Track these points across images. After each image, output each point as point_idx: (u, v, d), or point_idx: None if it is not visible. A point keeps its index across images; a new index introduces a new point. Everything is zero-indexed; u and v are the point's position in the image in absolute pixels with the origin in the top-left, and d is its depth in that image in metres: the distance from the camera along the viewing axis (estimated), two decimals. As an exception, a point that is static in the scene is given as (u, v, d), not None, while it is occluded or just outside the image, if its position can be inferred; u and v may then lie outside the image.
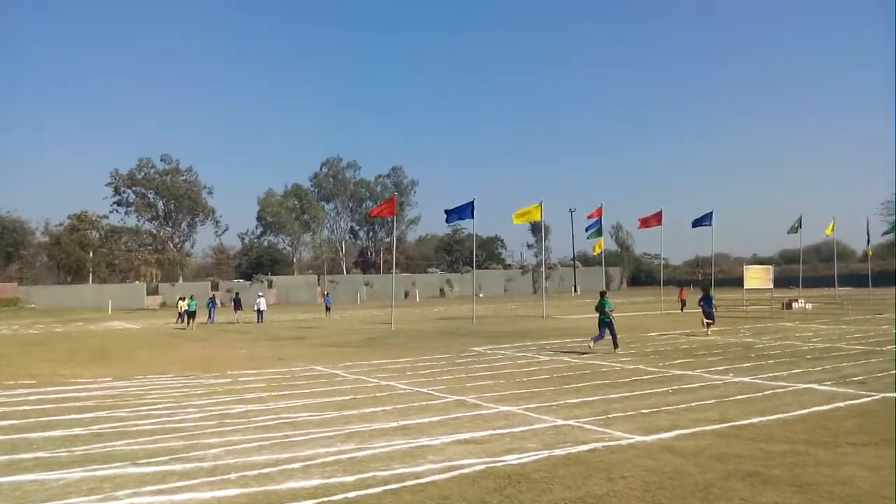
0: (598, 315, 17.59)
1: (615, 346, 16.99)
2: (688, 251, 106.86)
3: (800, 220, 38.02)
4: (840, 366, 13.55)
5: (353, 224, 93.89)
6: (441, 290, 78.79)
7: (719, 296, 33.30)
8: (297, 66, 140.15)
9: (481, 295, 71.33)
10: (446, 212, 31.15)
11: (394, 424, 8.66)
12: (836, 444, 7.25)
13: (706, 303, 21.80)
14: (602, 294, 18.06)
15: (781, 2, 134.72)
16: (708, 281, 34.68)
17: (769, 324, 25.72)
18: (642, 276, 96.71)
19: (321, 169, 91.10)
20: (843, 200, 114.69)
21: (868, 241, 44.25)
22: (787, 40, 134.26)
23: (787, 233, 38.07)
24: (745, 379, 12.05)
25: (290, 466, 6.75)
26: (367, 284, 75.99)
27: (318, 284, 72.92)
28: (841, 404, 9.53)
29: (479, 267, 78.40)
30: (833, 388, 10.86)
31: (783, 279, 46.89)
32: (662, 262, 65.54)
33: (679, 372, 13.17)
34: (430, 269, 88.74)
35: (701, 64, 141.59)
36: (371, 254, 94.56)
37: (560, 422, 8.65)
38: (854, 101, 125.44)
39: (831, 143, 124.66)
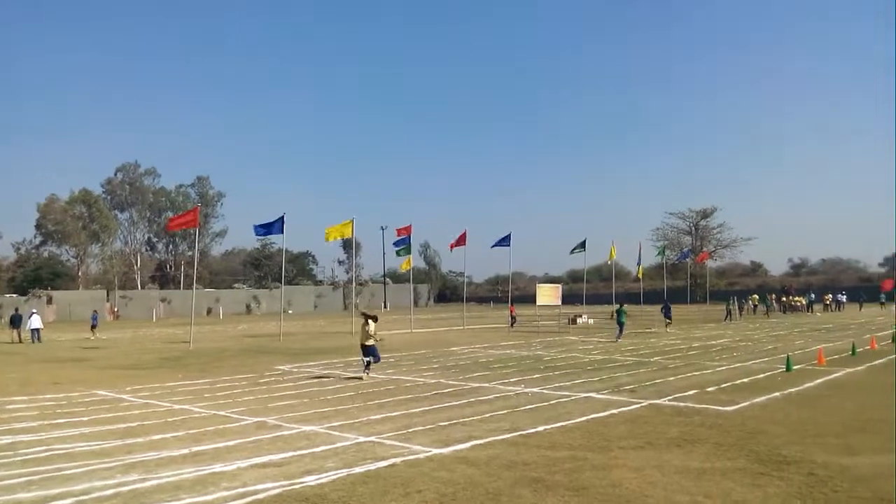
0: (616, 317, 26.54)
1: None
2: (489, 270, 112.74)
3: (583, 243, 41.67)
4: (615, 376, 15.04)
5: (151, 236, 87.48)
6: (247, 307, 75.75)
7: (516, 311, 35.55)
8: (79, 60, 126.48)
9: (290, 311, 69.65)
10: (255, 227, 30.18)
11: (185, 451, 8.16)
12: (609, 449, 8.03)
13: (667, 310, 31.87)
14: (621, 304, 27.43)
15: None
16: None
17: (557, 338, 27.87)
18: (448, 293, 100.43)
19: (115, 175, 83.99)
20: (623, 227, 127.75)
21: (640, 263, 49.63)
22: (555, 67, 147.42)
23: (570, 253, 41.68)
24: (535, 389, 12.96)
25: (61, 503, 6.10)
26: (164, 300, 70.91)
27: (108, 300, 66.77)
28: (615, 411, 10.57)
29: (288, 283, 76.46)
30: (609, 397, 12.03)
31: (570, 297, 51.13)
32: (466, 279, 68.54)
33: (477, 385, 13.83)
34: (236, 285, 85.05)
35: (503, 88, 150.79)
36: (170, 268, 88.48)
37: (362, 439, 8.70)
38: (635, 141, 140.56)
39: (615, 174, 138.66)
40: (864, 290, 59.40)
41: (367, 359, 15.48)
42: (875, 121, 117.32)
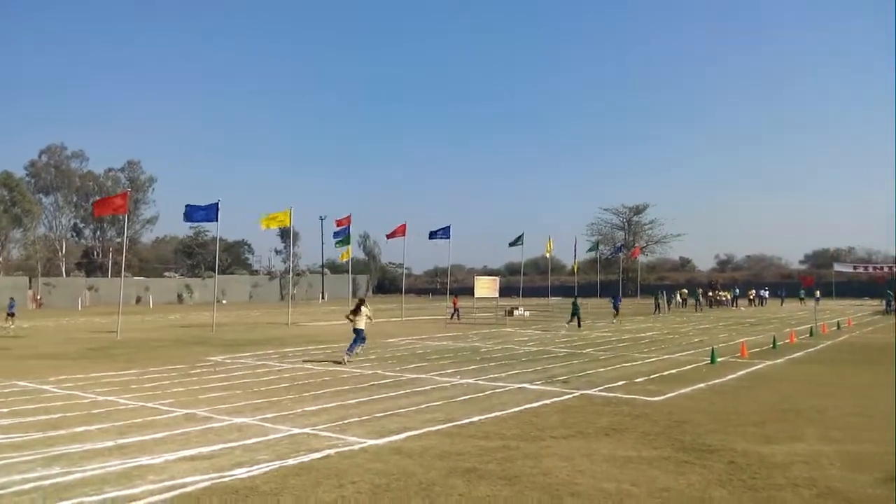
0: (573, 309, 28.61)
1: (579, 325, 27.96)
2: (428, 262, 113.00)
3: (521, 237, 42.31)
4: (549, 367, 15.34)
5: (78, 221, 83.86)
6: (179, 296, 73.63)
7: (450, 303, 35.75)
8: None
9: (224, 301, 68.13)
10: (187, 210, 29.19)
11: (110, 444, 7.90)
12: (541, 438, 8.19)
13: (616, 300, 34.94)
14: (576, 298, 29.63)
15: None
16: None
17: (494, 329, 28.20)
18: (387, 283, 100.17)
19: (40, 157, 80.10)
20: (559, 221, 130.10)
21: (575, 257, 50.73)
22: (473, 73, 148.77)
23: (509, 245, 42.46)
24: (470, 380, 13.09)
25: (-26, 500, 5.83)
26: (90, 289, 68.19)
27: (30, 288, 63.76)
28: (548, 401, 10.78)
29: (223, 272, 74.73)
30: (542, 387, 12.26)
31: (507, 289, 51.73)
32: (405, 271, 68.44)
33: (414, 376, 13.86)
34: (167, 273, 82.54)
35: (444, 79, 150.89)
36: (98, 254, 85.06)
37: (296, 431, 8.61)
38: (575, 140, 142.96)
39: (552, 173, 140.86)
40: (786, 285, 62.29)
41: (355, 346, 16.67)
42: (799, 121, 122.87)
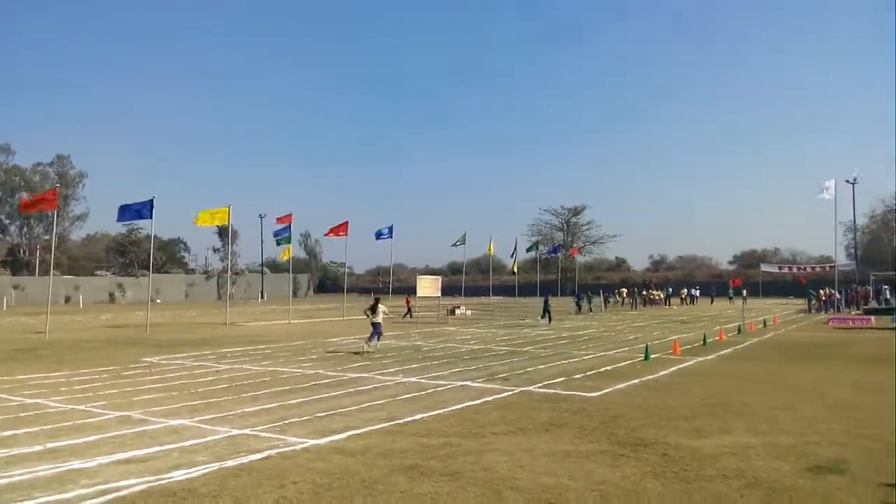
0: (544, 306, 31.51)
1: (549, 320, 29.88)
2: (371, 261, 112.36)
3: (464, 237, 42.63)
4: (490, 365, 15.53)
5: (3, 217, 79.96)
6: (111, 296, 71.09)
7: (393, 303, 35.74)
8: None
9: (159, 301, 66.18)
10: (121, 208, 28.35)
11: (39, 448, 7.62)
12: (482, 435, 8.31)
13: (578, 299, 39.72)
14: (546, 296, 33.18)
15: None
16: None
17: (436, 328, 28.32)
18: (328, 283, 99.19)
19: (-40, 150, 76.05)
20: (500, 222, 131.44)
21: (515, 257, 51.33)
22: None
23: (452, 245, 42.85)
24: (413, 379, 13.15)
25: None
26: (16, 287, 65.16)
27: (-53, 287, 60.49)
28: (489, 399, 10.93)
29: (157, 270, 72.54)
30: (483, 385, 12.42)
31: (450, 288, 52.03)
32: (347, 270, 67.93)
33: (356, 375, 13.82)
34: (98, 272, 79.51)
35: (387, 80, 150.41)
36: (24, 252, 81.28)
37: (235, 432, 8.49)
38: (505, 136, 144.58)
39: (490, 171, 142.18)
40: (716, 285, 64.61)
41: (373, 339, 18.54)
42: (726, 123, 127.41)
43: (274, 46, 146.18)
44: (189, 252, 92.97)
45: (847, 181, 54.71)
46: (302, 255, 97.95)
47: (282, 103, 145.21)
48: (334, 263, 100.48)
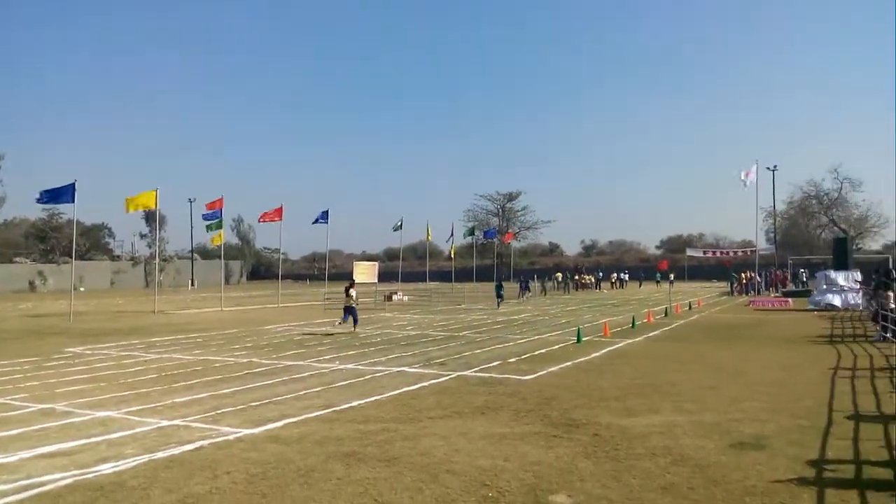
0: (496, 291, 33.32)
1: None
2: (306, 247, 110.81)
3: (401, 222, 42.60)
4: (427, 350, 15.61)
5: (-90, 202, 74.98)
6: (31, 284, 67.84)
7: (330, 289, 35.44)
8: None
9: (83, 289, 63.62)
10: (41, 193, 27.07)
11: (-46, 445, 7.25)
12: (419, 420, 8.36)
13: (524, 285, 40.90)
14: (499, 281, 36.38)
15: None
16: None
17: (373, 315, 28.24)
18: (262, 269, 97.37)
19: None
20: (439, 207, 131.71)
21: (452, 243, 51.57)
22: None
23: (393, 230, 42.84)
24: (350, 366, 13.09)
25: None
26: (-77, 276, 61.43)
27: None
28: (426, 384, 11.00)
29: (81, 257, 69.52)
30: (420, 370, 12.48)
31: (387, 274, 51.94)
32: (281, 256, 66.79)
33: (291, 363, 13.66)
34: (17, 259, 75.60)
35: (323, 69, 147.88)
36: (-68, 238, 76.62)
37: (165, 423, 8.27)
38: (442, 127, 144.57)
39: (431, 159, 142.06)
40: (644, 269, 66.68)
41: (345, 318, 20.13)
42: (657, 117, 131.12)
43: (187, 16, 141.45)
44: (114, 238, 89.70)
45: (768, 168, 57.18)
46: (234, 240, 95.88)
47: (215, 79, 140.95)
48: (268, 249, 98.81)
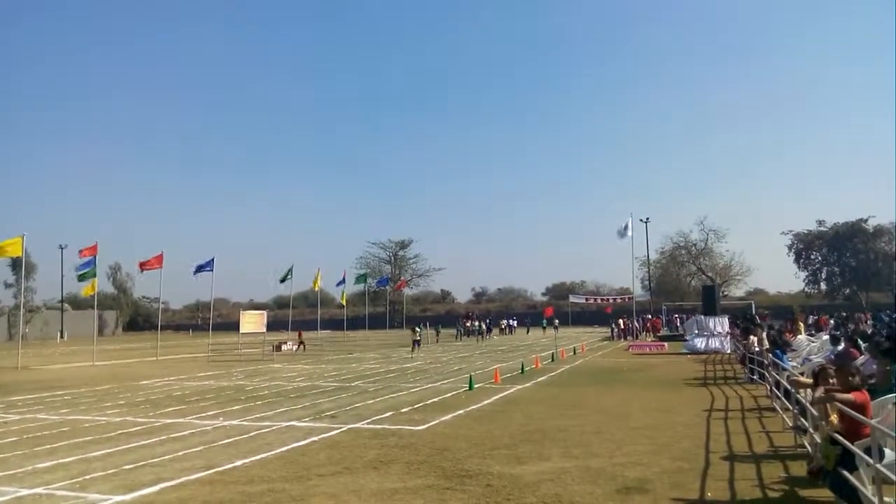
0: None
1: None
2: (189, 295, 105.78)
3: (290, 271, 41.80)
4: (318, 402, 15.18)
5: None
6: None
7: (216, 340, 33.94)
8: None
9: (-71, 343, 57.40)
10: None
11: None
12: (308, 478, 8.05)
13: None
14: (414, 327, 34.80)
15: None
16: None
17: (261, 366, 27.24)
18: (140, 320, 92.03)
19: None
20: (331, 253, 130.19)
21: (344, 290, 51.03)
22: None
23: (280, 282, 41.98)
24: (234, 422, 12.48)
25: None
26: None
27: None
28: (316, 438, 10.66)
29: (-72, 308, 62.97)
30: (310, 424, 12.09)
31: (276, 323, 50.42)
32: (162, 305, 63.43)
33: (170, 420, 12.87)
34: None
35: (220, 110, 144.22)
36: None
37: (24, 492, 7.53)
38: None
39: (321, 205, 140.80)
40: (531, 315, 68.52)
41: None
42: (537, 171, 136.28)
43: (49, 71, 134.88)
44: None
45: (641, 220, 60.79)
46: (110, 289, 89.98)
47: (81, 120, 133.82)
48: (147, 298, 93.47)
